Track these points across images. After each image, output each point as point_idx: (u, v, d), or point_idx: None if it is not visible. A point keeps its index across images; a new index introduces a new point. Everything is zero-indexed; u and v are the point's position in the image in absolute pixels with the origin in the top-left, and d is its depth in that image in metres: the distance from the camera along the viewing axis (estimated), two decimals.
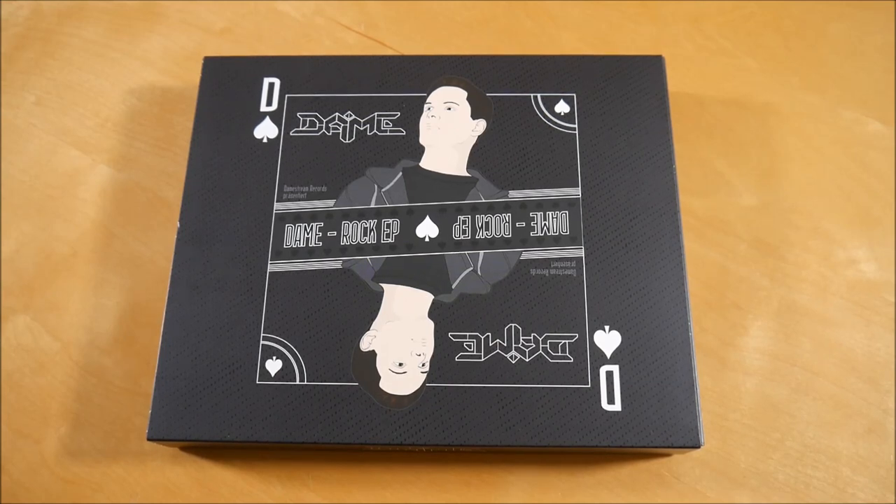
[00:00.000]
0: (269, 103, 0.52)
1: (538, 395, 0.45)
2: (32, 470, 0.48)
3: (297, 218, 0.49)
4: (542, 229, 0.49)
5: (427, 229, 0.49)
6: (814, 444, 0.48)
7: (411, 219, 0.49)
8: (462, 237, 0.48)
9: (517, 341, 0.46)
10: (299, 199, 0.50)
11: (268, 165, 0.51)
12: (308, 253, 0.48)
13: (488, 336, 0.46)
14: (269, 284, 0.48)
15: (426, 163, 0.51)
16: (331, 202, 0.50)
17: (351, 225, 0.49)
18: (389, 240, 0.48)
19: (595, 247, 0.48)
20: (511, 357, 0.46)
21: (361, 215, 0.49)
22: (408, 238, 0.48)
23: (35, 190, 0.56)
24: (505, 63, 0.53)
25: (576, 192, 0.49)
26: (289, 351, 0.46)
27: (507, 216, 0.49)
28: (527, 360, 0.46)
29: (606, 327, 0.46)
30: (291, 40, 0.60)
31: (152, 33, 0.61)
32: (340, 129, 0.52)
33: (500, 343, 0.46)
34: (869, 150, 0.56)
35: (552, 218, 0.49)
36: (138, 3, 0.62)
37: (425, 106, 0.52)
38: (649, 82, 0.52)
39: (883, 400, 0.49)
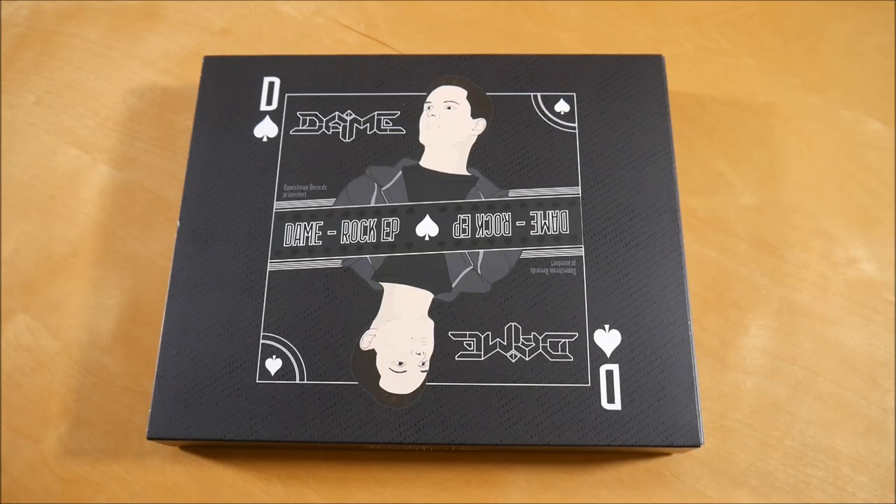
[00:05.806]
0: (268, 102, 0.52)
1: (538, 394, 0.45)
2: (32, 470, 0.48)
3: (296, 217, 0.49)
4: (542, 228, 0.49)
5: (427, 228, 0.49)
6: (814, 443, 0.48)
7: (411, 217, 0.49)
8: (462, 236, 0.48)
9: (517, 340, 0.46)
10: (299, 198, 0.50)
11: (268, 164, 0.51)
12: (308, 252, 0.48)
13: (488, 335, 0.46)
14: (268, 283, 0.48)
15: (426, 162, 0.51)
16: (331, 201, 0.50)
17: (351, 224, 0.49)
18: (389, 238, 0.48)
19: (595, 246, 0.48)
20: (511, 356, 0.46)
21: (361, 214, 0.49)
22: (408, 237, 0.48)
23: (35, 190, 0.56)
24: (505, 63, 0.53)
25: (576, 191, 0.49)
26: (289, 350, 0.46)
27: (507, 215, 0.49)
28: (527, 359, 0.46)
29: (606, 326, 0.46)
30: (291, 40, 0.61)
31: (152, 33, 0.61)
32: (340, 128, 0.52)
33: (500, 342, 0.46)
34: (869, 150, 0.56)
35: (552, 217, 0.49)
36: (138, 3, 0.63)
37: (425, 105, 0.52)
38: (649, 82, 0.52)
39: (883, 399, 0.49)
